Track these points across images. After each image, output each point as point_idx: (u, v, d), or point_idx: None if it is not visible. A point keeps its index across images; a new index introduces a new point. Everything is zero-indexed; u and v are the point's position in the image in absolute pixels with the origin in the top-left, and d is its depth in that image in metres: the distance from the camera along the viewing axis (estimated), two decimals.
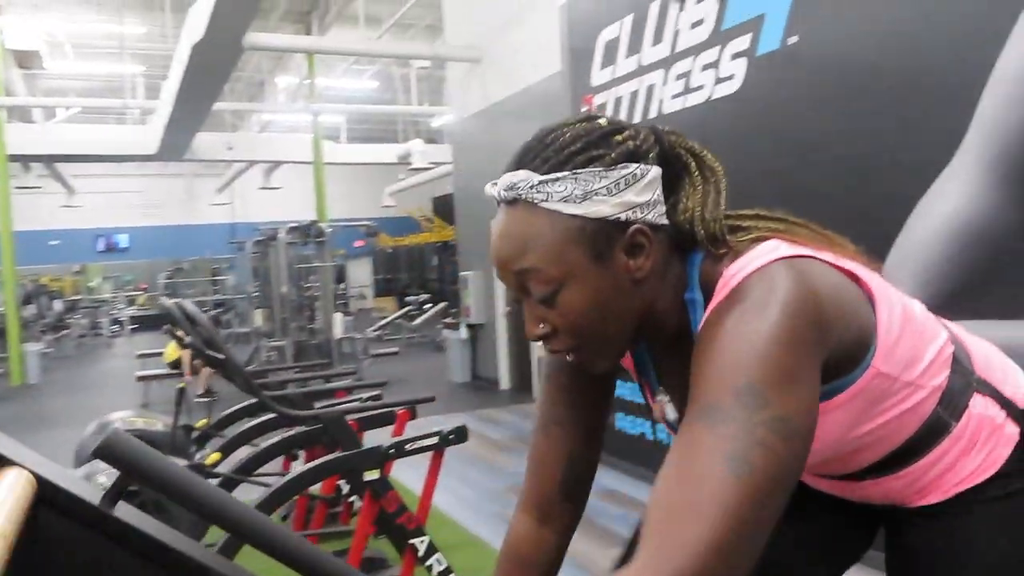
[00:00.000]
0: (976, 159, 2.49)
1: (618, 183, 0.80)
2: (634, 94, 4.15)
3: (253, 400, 2.92)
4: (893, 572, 1.01)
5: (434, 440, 2.58)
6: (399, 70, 15.07)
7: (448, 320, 10.80)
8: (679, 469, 0.67)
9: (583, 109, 4.58)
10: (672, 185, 0.86)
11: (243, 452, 2.84)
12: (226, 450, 2.85)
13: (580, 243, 0.80)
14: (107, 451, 0.68)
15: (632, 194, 0.81)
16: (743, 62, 3.39)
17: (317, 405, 3.20)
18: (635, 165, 0.82)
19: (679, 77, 3.80)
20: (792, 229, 0.88)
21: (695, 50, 3.67)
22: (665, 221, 0.84)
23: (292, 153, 14.47)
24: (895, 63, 2.74)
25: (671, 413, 0.96)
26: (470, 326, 8.34)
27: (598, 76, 4.45)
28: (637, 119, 4.11)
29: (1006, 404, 0.93)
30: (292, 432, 2.92)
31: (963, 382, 0.92)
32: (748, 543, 0.63)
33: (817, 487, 1.06)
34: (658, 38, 3.93)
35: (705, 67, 3.61)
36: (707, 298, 0.83)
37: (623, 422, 4.37)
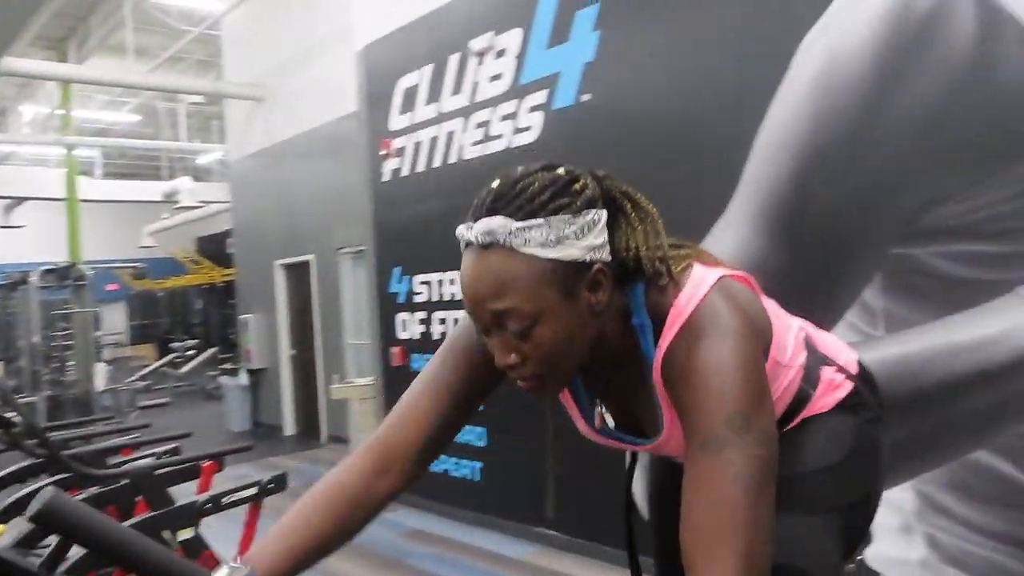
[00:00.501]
0: (745, 211, 2.86)
1: (583, 228, 0.91)
2: (434, 139, 4.27)
3: (34, 461, 2.63)
4: None
5: (253, 491, 2.47)
6: (164, 104, 14.18)
7: (225, 366, 10.21)
8: (701, 498, 0.83)
9: (381, 152, 4.64)
10: (610, 224, 0.96)
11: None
12: (6, 517, 2.52)
13: (553, 283, 0.90)
14: (46, 516, 0.63)
15: (593, 237, 0.92)
16: (540, 115, 3.63)
17: (110, 462, 2.93)
18: (593, 211, 0.93)
19: (479, 126, 3.98)
20: (698, 252, 1.05)
21: (494, 102, 3.88)
22: (610, 258, 0.94)
23: (40, 188, 13.07)
24: (678, 118, 3.09)
25: (610, 419, 1.08)
26: (251, 371, 7.96)
27: (397, 120, 4.54)
28: (438, 163, 4.24)
29: (842, 370, 1.15)
30: (83, 495, 2.65)
31: (814, 358, 1.12)
32: (766, 531, 0.82)
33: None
34: (457, 88, 4.10)
35: (504, 118, 3.82)
36: (657, 324, 0.95)
37: None
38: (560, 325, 0.91)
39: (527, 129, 3.70)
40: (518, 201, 0.91)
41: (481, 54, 3.92)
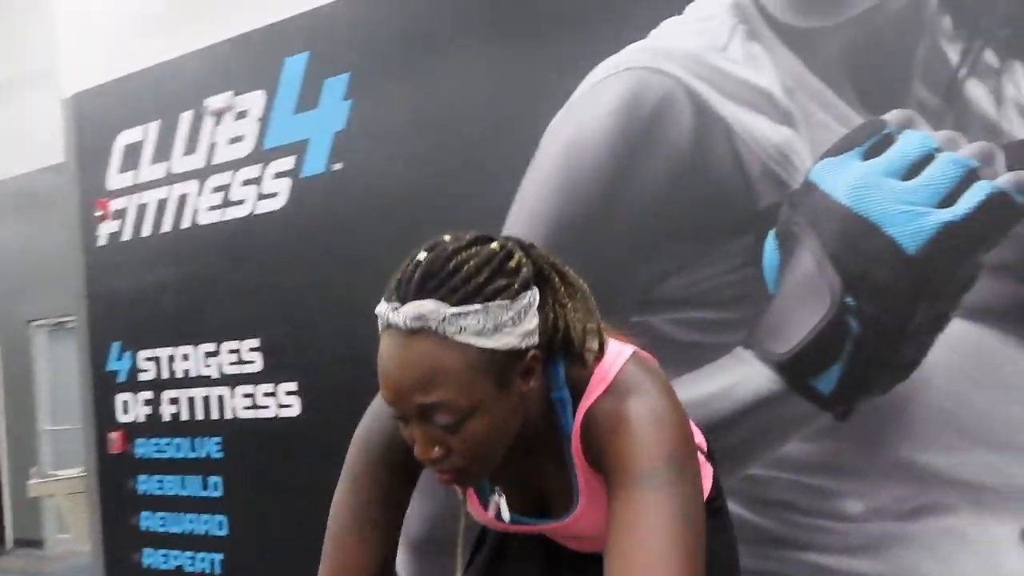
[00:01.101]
0: None
1: (520, 313, 0.85)
2: (163, 202, 3.94)
3: None
4: None
5: None
6: None
7: None
8: (641, 530, 0.79)
9: (97, 213, 4.18)
10: (540, 301, 0.91)
11: None
12: None
13: (489, 373, 0.83)
14: None
15: (528, 322, 0.86)
16: (288, 181, 3.51)
17: None
18: (528, 292, 0.87)
19: (217, 189, 3.75)
20: (606, 327, 1.02)
21: (235, 165, 3.68)
22: (538, 340, 0.89)
23: None
24: (432, 188, 3.16)
25: (505, 512, 0.99)
26: None
27: (117, 179, 4.13)
28: (168, 227, 3.91)
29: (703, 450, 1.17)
30: None
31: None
32: (703, 567, 0.81)
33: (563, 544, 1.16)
34: (191, 148, 3.84)
35: (246, 182, 3.64)
36: (575, 395, 0.92)
37: (153, 557, 3.94)
38: (492, 417, 0.84)
39: (273, 195, 3.55)
40: (452, 282, 0.82)
41: (219, 113, 3.73)
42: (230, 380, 3.67)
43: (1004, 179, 2.26)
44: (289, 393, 3.49)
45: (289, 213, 3.49)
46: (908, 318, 2.39)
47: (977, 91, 2.34)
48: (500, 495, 1.00)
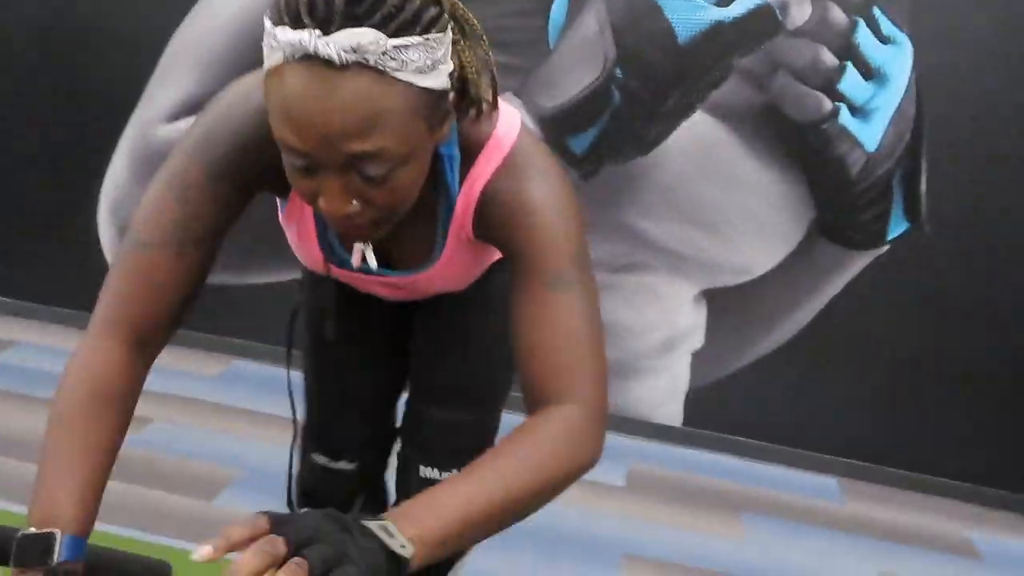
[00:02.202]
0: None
1: (448, 48, 0.74)
2: None
3: None
4: (427, 333, 1.26)
5: None
6: None
7: None
8: (559, 333, 0.81)
9: None
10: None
11: None
12: None
13: (423, 117, 0.73)
14: None
15: (450, 59, 0.75)
16: None
17: None
18: (450, 24, 0.76)
19: None
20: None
21: None
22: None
23: None
24: None
25: (372, 261, 0.91)
26: None
27: None
28: None
29: None
30: None
31: None
32: (604, 351, 0.85)
33: (366, 289, 1.13)
34: None
35: None
36: (466, 156, 0.86)
37: None
38: (420, 166, 0.75)
39: None
40: (386, 7, 0.67)
41: None
42: None
43: None
44: None
45: None
46: (663, 100, 2.62)
47: None
48: (368, 244, 0.92)
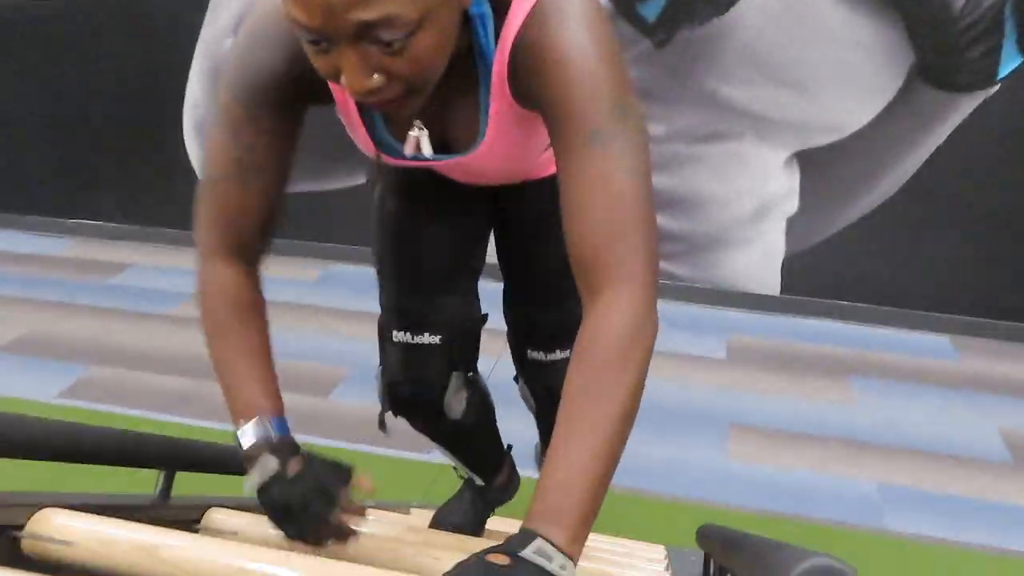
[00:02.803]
0: None
1: None
2: None
3: None
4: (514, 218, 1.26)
5: None
6: None
7: None
8: (599, 194, 0.75)
9: None
10: None
11: None
12: None
13: None
14: None
15: None
16: None
17: None
18: None
19: None
20: None
21: None
22: None
23: None
24: None
25: (427, 146, 0.89)
26: None
27: None
28: None
29: None
30: None
31: None
32: (655, 218, 0.78)
33: (450, 175, 1.10)
34: None
35: None
36: (498, 11, 0.81)
37: None
38: (439, 31, 0.71)
39: None
40: None
41: None
42: None
43: None
44: None
45: None
46: None
47: None
48: (421, 128, 0.90)
